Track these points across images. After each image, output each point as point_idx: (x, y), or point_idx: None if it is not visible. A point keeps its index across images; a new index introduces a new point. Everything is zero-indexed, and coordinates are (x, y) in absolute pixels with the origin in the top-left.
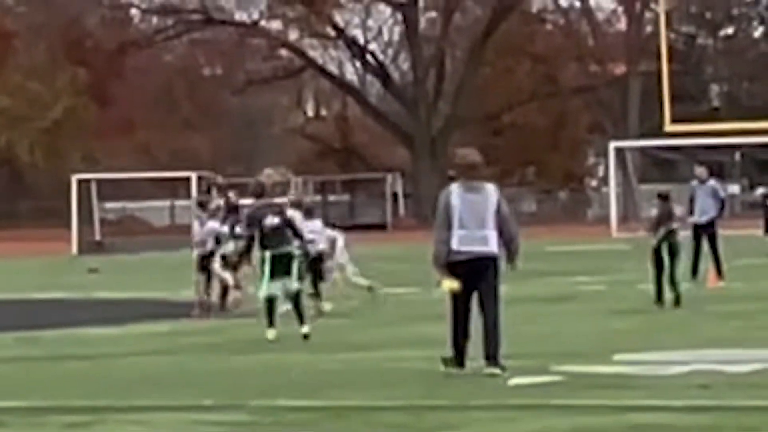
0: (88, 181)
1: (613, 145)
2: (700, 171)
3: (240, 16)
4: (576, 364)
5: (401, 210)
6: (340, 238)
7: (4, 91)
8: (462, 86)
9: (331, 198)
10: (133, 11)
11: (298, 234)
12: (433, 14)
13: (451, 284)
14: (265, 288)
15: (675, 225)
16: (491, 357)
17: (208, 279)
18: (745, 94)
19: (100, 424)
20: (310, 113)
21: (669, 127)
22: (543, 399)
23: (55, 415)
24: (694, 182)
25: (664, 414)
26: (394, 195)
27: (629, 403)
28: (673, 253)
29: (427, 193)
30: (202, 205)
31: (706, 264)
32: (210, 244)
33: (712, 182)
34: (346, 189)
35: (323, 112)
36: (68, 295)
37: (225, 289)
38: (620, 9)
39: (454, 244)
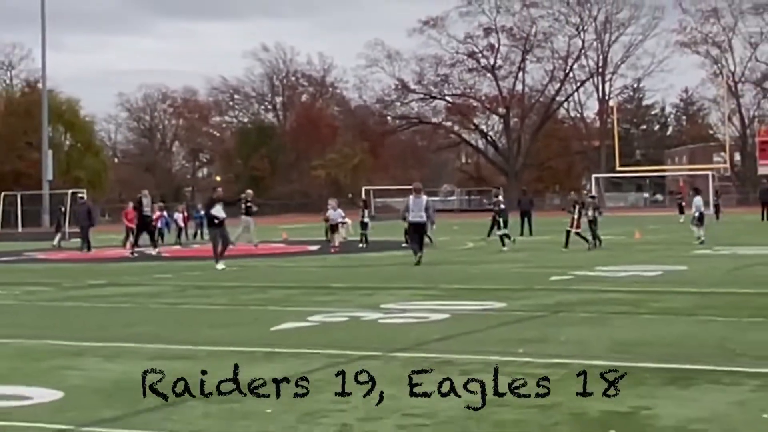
0: (369, 190)
1: (593, 176)
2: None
3: (433, 119)
4: (579, 271)
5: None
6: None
7: (333, 152)
8: (528, 150)
9: (471, 197)
10: (389, 118)
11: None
12: (516, 119)
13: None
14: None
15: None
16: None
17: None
18: (651, 154)
19: (375, 295)
20: (463, 161)
21: (618, 168)
22: (565, 286)
23: (354, 290)
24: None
25: (617, 294)
26: (497, 196)
27: (602, 288)
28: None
29: (513, 197)
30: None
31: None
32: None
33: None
34: (478, 194)
35: (469, 161)
36: (356, 239)
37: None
38: (597, 118)
39: (410, 218)
